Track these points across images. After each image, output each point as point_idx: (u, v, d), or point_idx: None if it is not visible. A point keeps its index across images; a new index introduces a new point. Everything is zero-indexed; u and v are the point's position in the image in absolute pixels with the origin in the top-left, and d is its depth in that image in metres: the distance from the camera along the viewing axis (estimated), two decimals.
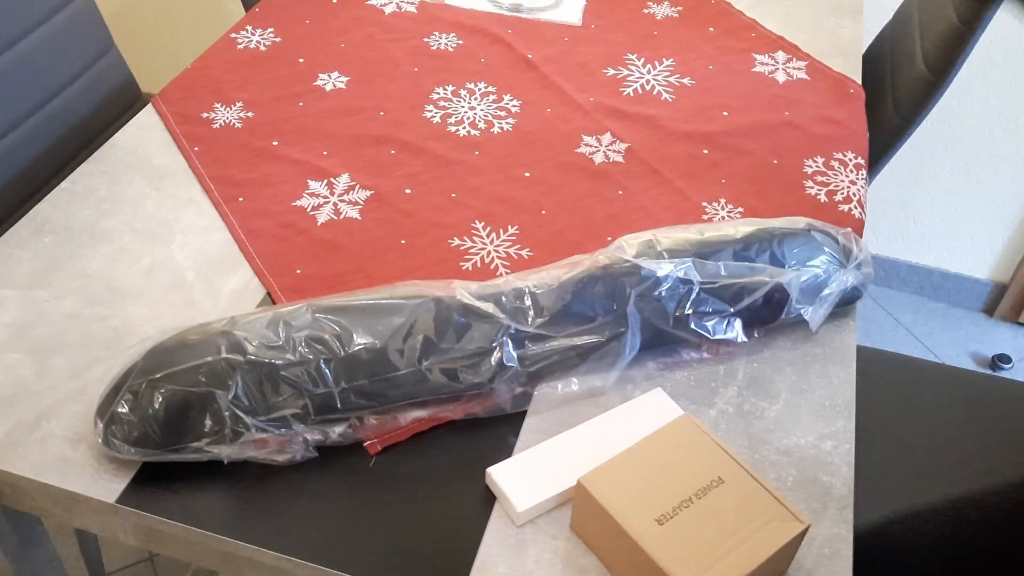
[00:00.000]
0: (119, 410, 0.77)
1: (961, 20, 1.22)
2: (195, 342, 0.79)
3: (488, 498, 0.80)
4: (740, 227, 0.93)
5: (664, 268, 0.87)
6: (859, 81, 1.32)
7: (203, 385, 0.76)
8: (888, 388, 1.24)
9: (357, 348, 0.79)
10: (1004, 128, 1.91)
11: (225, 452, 0.77)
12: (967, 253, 2.09)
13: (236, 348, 0.78)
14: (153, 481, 0.79)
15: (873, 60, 1.52)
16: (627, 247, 0.89)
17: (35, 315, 0.93)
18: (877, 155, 1.37)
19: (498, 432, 0.85)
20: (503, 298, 0.85)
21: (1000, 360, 1.99)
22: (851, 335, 0.96)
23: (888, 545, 1.05)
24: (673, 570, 0.68)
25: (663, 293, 0.87)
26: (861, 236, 1.07)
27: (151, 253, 1.01)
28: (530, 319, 0.84)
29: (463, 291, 0.85)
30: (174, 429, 0.76)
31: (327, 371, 0.79)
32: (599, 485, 0.73)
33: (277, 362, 0.78)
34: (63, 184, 1.09)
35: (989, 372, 1.87)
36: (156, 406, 0.76)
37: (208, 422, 0.76)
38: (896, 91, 1.37)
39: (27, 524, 0.95)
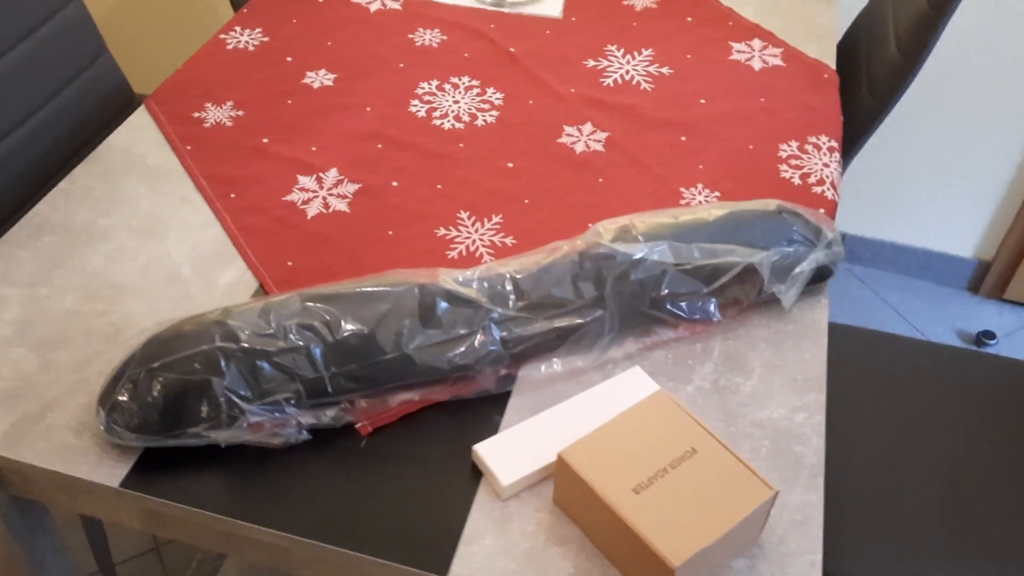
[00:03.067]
0: (120, 398, 0.80)
1: (930, 4, 1.26)
2: (190, 332, 0.82)
3: (475, 474, 0.83)
4: (713, 210, 0.97)
5: (640, 252, 0.91)
6: (834, 67, 1.36)
7: (199, 373, 0.80)
8: (873, 365, 1.27)
9: (346, 334, 0.83)
10: (984, 108, 1.94)
11: (222, 436, 0.81)
12: (951, 232, 2.13)
13: (230, 337, 0.81)
14: (154, 466, 0.83)
15: (849, 45, 1.56)
16: (604, 232, 0.93)
17: (37, 312, 0.97)
18: (853, 138, 1.40)
19: (484, 412, 0.88)
20: (485, 284, 0.88)
21: (985, 336, 2.03)
22: (823, 312, 0.99)
23: (866, 514, 1.09)
24: (649, 536, 0.72)
25: (639, 275, 0.91)
26: (835, 217, 1.10)
27: (147, 250, 1.05)
28: (511, 303, 0.88)
29: (447, 278, 0.88)
30: (173, 415, 0.80)
31: (318, 357, 0.82)
32: (578, 458, 0.77)
33: (269, 349, 0.81)
34: (61, 185, 1.12)
35: (974, 348, 1.90)
36: (155, 394, 0.80)
37: (205, 408, 0.80)
38: (871, 75, 1.40)
39: (35, 514, 0.99)
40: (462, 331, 0.86)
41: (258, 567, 1.59)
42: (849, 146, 1.40)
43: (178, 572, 1.55)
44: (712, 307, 0.94)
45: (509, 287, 0.88)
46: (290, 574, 1.52)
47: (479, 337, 0.87)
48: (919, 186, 2.09)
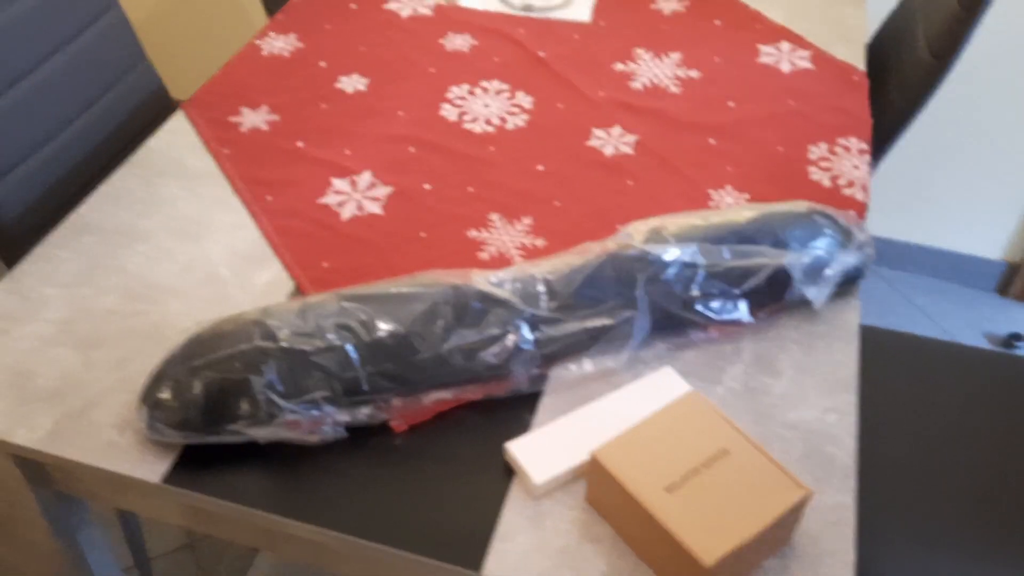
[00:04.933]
0: (162, 396, 0.82)
1: (961, 5, 1.25)
2: (230, 331, 0.84)
3: (507, 473, 0.84)
4: (744, 212, 0.97)
5: (671, 253, 0.92)
6: (863, 69, 1.36)
7: (239, 371, 0.82)
8: (902, 368, 1.27)
9: (382, 334, 0.85)
10: (1014, 109, 1.93)
11: (261, 434, 0.83)
12: (980, 234, 2.11)
13: (269, 336, 0.83)
14: (194, 463, 0.85)
15: (878, 47, 1.56)
16: (635, 234, 0.94)
17: (79, 311, 0.99)
18: (883, 140, 1.40)
19: (516, 411, 0.89)
20: (518, 284, 0.90)
21: (1014, 339, 2.01)
22: (854, 313, 0.99)
23: (899, 515, 1.09)
24: (682, 535, 0.73)
25: (670, 277, 0.92)
26: (864, 218, 1.11)
27: (186, 251, 1.07)
28: (544, 304, 0.89)
29: (480, 278, 0.89)
30: (213, 413, 0.82)
31: (354, 356, 0.84)
32: (611, 458, 0.78)
33: (307, 348, 0.83)
34: (101, 187, 1.15)
35: (1004, 351, 1.89)
36: (196, 392, 0.82)
37: (244, 406, 0.82)
38: (900, 77, 1.40)
39: (76, 509, 1.01)
40: (495, 331, 0.87)
41: (289, 563, 1.61)
42: (878, 148, 1.40)
43: (211, 567, 1.58)
44: (743, 308, 0.94)
45: (541, 288, 0.89)
46: (322, 570, 1.54)
47: (512, 337, 0.88)
48: (947, 188, 2.07)
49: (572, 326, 0.89)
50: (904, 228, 2.16)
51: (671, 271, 0.91)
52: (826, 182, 1.15)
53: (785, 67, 1.36)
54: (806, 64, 1.36)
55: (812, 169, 1.17)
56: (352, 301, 0.86)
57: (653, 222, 0.95)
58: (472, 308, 0.87)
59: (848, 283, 1.00)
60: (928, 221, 2.13)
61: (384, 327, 0.85)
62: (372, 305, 0.86)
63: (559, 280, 0.90)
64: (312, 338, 0.83)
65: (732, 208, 1.00)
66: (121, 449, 0.86)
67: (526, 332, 0.88)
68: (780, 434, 0.88)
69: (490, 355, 0.87)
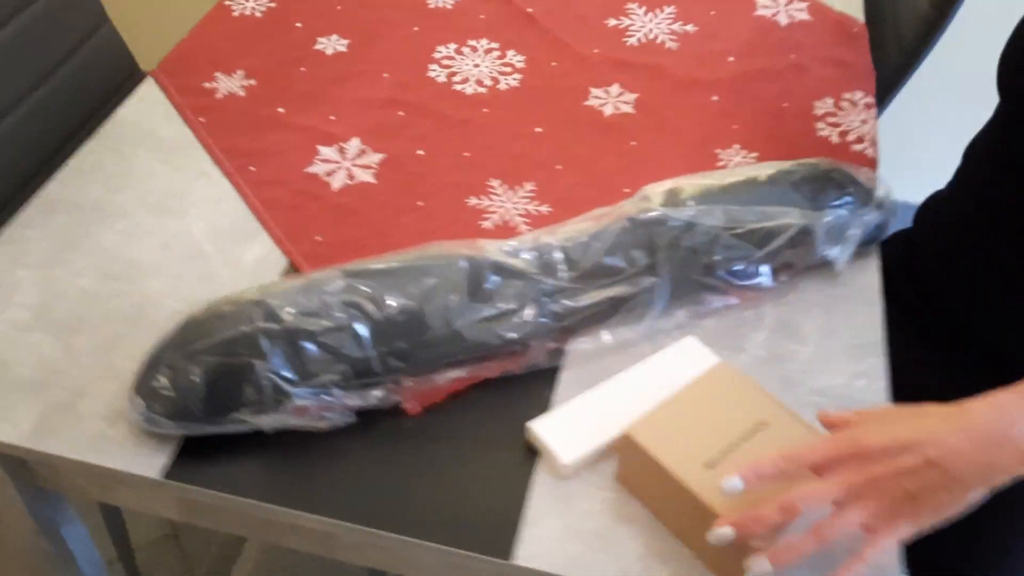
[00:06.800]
0: (158, 385, 0.76)
1: None
2: (229, 312, 0.78)
3: (529, 453, 0.80)
4: (762, 171, 0.93)
5: (692, 215, 0.87)
6: (862, 20, 1.32)
7: (241, 356, 0.76)
8: None
9: (392, 311, 0.79)
10: None
11: (266, 422, 0.77)
12: None
13: (271, 316, 0.77)
14: (195, 454, 0.79)
15: None
16: (652, 196, 0.89)
17: (54, 294, 0.92)
18: (881, 94, 1.36)
19: (534, 388, 0.85)
20: (534, 254, 0.84)
21: None
22: (874, 275, 0.96)
23: None
24: (726, 512, 0.69)
25: (692, 241, 0.87)
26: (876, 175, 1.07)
27: (165, 227, 1.00)
28: (561, 273, 0.84)
29: (493, 248, 0.84)
30: (215, 401, 0.76)
31: (363, 335, 0.78)
32: (646, 435, 0.73)
33: (313, 328, 0.77)
34: (70, 162, 1.07)
35: None
36: (195, 379, 0.75)
37: (248, 392, 0.76)
38: (899, 29, 1.36)
39: (58, 506, 0.95)
40: (512, 304, 0.82)
41: (277, 549, 1.55)
42: (878, 103, 1.36)
43: (197, 556, 1.52)
44: (765, 272, 0.90)
45: (559, 256, 0.84)
46: (313, 557, 1.49)
47: (528, 310, 0.83)
48: (952, 144, 2.05)
49: (593, 296, 0.84)
50: (909, 187, 2.12)
51: (692, 235, 0.87)
52: (835, 138, 1.11)
53: (783, 20, 1.31)
54: (804, 16, 1.32)
55: (820, 125, 1.13)
56: (358, 277, 0.81)
57: (669, 184, 0.91)
58: (488, 280, 0.82)
59: (868, 243, 0.96)
60: (933, 179, 2.11)
61: (394, 303, 0.79)
62: (380, 280, 0.80)
63: (577, 248, 0.85)
64: (318, 318, 0.78)
65: (748, 167, 0.95)
66: (115, 443, 0.80)
67: (545, 304, 0.83)
68: (810, 401, 0.84)
69: (507, 329, 0.82)
